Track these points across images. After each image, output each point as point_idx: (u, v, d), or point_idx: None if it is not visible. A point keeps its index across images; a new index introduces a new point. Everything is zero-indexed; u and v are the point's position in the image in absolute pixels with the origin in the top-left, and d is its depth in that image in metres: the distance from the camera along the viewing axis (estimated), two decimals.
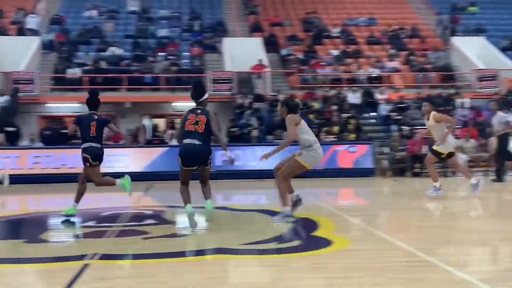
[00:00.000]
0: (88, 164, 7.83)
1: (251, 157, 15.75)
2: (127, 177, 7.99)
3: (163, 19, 26.04)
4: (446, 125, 9.75)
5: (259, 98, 19.70)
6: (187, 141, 6.92)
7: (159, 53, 22.80)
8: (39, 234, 6.97)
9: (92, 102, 8.03)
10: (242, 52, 22.02)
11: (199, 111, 7.03)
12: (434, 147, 9.82)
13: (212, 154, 7.08)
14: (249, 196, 11.28)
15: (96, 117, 7.93)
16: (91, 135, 7.85)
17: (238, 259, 5.31)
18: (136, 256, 5.42)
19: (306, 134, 7.42)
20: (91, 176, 7.94)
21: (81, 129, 7.89)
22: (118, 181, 7.96)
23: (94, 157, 7.87)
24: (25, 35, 23.44)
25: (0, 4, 26.46)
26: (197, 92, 7.15)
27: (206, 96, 7.18)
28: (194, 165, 6.96)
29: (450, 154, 9.86)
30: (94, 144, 7.89)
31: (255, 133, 17.34)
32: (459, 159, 10.60)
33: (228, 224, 7.53)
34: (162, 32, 24.80)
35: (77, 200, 7.94)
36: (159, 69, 21.53)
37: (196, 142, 6.86)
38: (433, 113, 9.79)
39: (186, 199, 7.00)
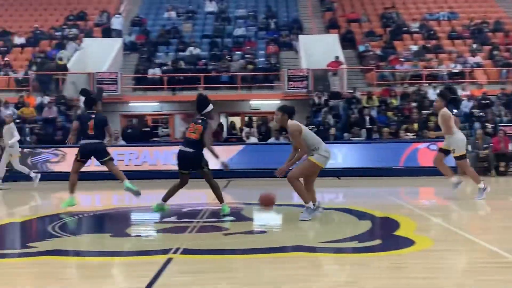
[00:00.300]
0: (76, 157, 8.65)
1: None
2: (72, 200, 8.72)
3: (240, 19, 26.31)
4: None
5: (335, 95, 19.54)
6: (181, 147, 7.93)
7: (235, 52, 23.06)
8: (124, 228, 7.25)
9: (87, 103, 8.79)
10: (318, 49, 21.89)
11: (199, 121, 7.90)
12: (454, 155, 9.52)
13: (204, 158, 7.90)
14: (326, 195, 11.19)
15: (93, 116, 8.58)
16: (88, 132, 8.51)
17: (317, 257, 5.30)
18: (217, 252, 5.52)
19: (310, 139, 7.33)
20: (72, 166, 8.78)
21: (80, 127, 8.59)
22: (71, 195, 8.76)
23: (85, 154, 8.62)
24: (108, 36, 24.31)
25: (84, 6, 27.63)
26: (200, 105, 7.96)
27: (208, 109, 7.96)
28: (186, 169, 7.89)
29: (447, 152, 9.63)
30: (91, 141, 8.55)
31: (332, 131, 17.20)
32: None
33: (306, 222, 7.52)
34: (239, 31, 25.07)
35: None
36: (235, 68, 21.78)
37: (188, 149, 7.80)
38: (442, 110, 9.46)
39: (165, 195, 7.98)
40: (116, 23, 25.26)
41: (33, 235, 7.21)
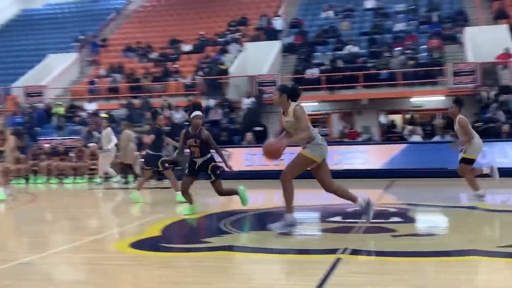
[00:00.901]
0: None
1: (500, 154, 14.63)
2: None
3: (399, 13, 25.59)
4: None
5: (506, 89, 18.21)
6: None
7: (395, 48, 22.45)
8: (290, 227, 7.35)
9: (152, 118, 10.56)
10: (485, 41, 20.56)
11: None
12: (463, 155, 9.38)
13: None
14: (497, 196, 10.47)
15: (152, 130, 10.50)
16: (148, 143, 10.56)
17: (496, 262, 4.97)
18: (387, 253, 5.40)
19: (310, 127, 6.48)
20: None
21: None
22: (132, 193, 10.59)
23: (146, 163, 10.59)
24: (270, 39, 24.93)
25: (244, 12, 28.67)
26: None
27: (192, 115, 8.33)
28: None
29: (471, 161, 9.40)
30: (148, 151, 10.44)
31: (505, 128, 16.02)
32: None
33: (479, 224, 7.09)
34: (398, 27, 24.38)
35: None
36: (395, 64, 21.22)
37: None
38: (459, 116, 9.31)
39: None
40: (277, 24, 25.94)
41: (207, 231, 7.60)
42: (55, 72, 25.32)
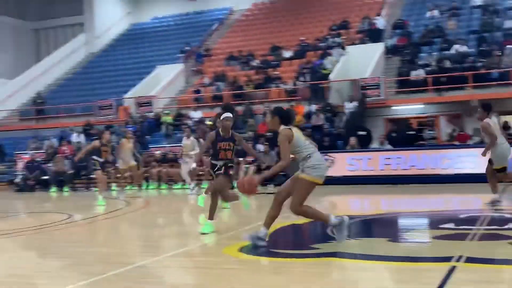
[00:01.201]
0: None
1: None
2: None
3: (510, 10, 24.27)
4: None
5: None
6: None
7: (507, 46, 21.30)
8: (400, 233, 7.19)
9: None
10: None
11: None
12: (494, 167, 9.43)
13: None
14: None
15: None
16: None
17: None
18: (503, 262, 5.14)
19: (302, 147, 6.22)
20: None
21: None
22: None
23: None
24: (372, 40, 24.50)
25: (346, 15, 28.40)
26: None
27: (222, 117, 7.95)
28: None
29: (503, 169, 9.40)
30: None
31: None
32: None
33: None
34: (510, 24, 23.13)
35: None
36: (507, 63, 20.13)
37: None
38: (484, 120, 9.34)
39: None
40: (380, 25, 25.51)
41: (315, 236, 7.59)
42: (163, 83, 26.43)
